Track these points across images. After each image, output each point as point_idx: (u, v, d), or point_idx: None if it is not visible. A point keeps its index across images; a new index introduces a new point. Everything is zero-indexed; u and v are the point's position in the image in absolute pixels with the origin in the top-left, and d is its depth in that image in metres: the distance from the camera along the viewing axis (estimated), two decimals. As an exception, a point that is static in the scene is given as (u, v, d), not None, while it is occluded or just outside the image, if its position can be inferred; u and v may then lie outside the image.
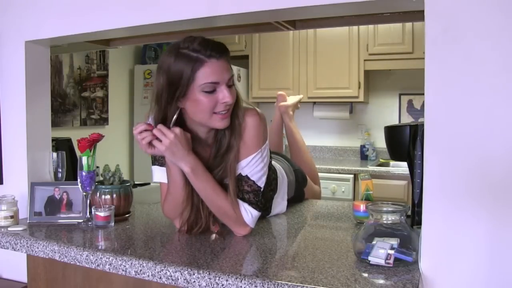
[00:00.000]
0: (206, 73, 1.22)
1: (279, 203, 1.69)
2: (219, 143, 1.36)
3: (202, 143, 1.38)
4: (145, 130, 1.27)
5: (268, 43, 3.80)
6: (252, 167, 1.36)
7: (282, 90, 3.72)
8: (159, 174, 1.44)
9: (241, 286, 1.02)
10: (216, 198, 1.32)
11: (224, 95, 1.24)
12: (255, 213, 1.36)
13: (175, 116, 1.27)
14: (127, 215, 1.61)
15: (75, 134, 1.94)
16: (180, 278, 1.09)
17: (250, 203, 1.36)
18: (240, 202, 1.35)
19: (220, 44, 1.27)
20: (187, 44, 1.24)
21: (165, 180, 1.41)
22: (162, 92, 1.26)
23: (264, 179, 1.39)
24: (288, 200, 1.76)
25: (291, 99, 2.31)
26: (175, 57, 1.23)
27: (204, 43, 1.24)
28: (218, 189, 1.32)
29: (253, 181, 1.36)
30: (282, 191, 1.71)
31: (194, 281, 1.07)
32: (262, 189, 1.38)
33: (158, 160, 1.44)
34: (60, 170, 1.76)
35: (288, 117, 2.24)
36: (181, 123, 1.31)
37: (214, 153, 1.37)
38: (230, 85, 1.28)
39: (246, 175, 1.36)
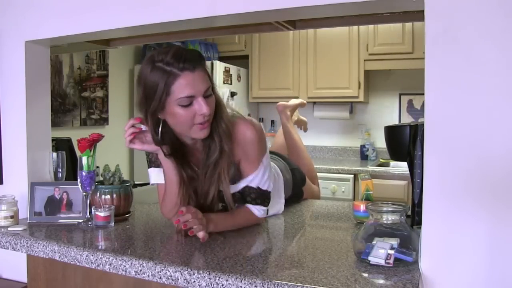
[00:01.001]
0: (180, 87, 1.20)
1: (277, 202, 1.69)
2: (208, 148, 1.35)
3: (191, 149, 1.39)
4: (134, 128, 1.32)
5: (268, 43, 3.80)
6: (259, 178, 1.42)
7: (282, 90, 3.74)
8: (155, 176, 1.46)
9: (241, 286, 1.02)
10: (239, 225, 1.44)
11: (200, 107, 1.22)
12: (265, 208, 1.49)
13: (159, 129, 1.29)
14: (127, 215, 1.61)
15: (75, 134, 1.94)
16: (180, 278, 1.09)
17: (260, 204, 1.47)
18: (251, 206, 1.46)
19: (194, 54, 1.24)
20: (161, 57, 1.22)
21: (162, 181, 1.42)
22: (141, 105, 1.29)
23: (269, 182, 1.45)
24: (286, 200, 1.77)
25: (292, 101, 2.33)
26: (151, 69, 1.23)
27: (177, 55, 1.20)
28: (237, 219, 1.43)
29: (265, 190, 1.45)
30: (278, 190, 1.72)
31: (194, 281, 1.07)
32: (270, 192, 1.47)
33: (154, 162, 1.46)
34: (60, 170, 1.76)
35: (285, 116, 2.26)
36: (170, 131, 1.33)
37: (205, 158, 1.36)
38: (208, 95, 1.25)
39: (258, 187, 1.43)
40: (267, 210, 1.51)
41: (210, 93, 1.27)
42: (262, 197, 1.44)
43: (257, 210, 1.45)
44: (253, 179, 1.41)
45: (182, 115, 1.23)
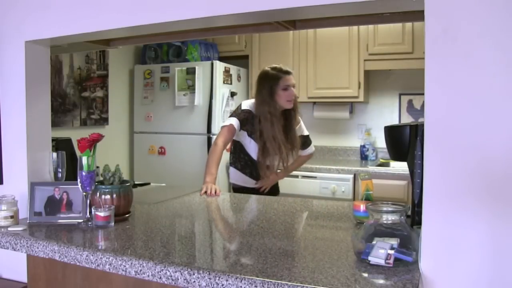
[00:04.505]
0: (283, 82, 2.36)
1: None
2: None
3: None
4: None
5: (268, 43, 3.80)
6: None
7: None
8: (235, 123, 2.31)
9: (241, 286, 1.02)
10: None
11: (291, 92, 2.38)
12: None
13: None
14: (127, 215, 1.61)
15: (75, 134, 1.94)
16: (180, 278, 1.09)
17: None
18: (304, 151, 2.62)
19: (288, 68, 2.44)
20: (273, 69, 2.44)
21: (235, 125, 2.31)
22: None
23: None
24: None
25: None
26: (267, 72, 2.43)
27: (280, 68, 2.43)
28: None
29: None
30: None
31: (194, 281, 1.07)
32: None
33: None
34: (60, 170, 1.76)
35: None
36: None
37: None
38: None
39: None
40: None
41: (295, 86, 2.41)
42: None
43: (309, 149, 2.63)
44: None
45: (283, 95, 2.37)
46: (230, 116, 2.42)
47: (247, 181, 2.49)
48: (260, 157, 2.40)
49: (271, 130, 2.32)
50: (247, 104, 2.43)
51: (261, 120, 2.33)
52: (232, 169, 2.53)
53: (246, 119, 2.37)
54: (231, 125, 2.33)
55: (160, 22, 1.45)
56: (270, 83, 2.36)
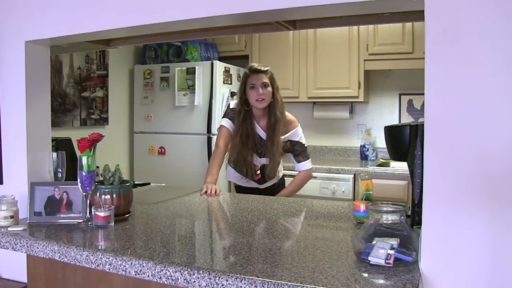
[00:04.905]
0: (250, 80, 2.33)
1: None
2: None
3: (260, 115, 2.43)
4: None
5: (268, 43, 3.80)
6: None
7: (282, 90, 3.72)
8: (225, 123, 2.35)
9: (241, 286, 1.02)
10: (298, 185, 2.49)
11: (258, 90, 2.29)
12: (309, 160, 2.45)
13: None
14: (127, 215, 1.61)
15: (75, 134, 1.94)
16: (180, 278, 1.09)
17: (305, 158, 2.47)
18: (300, 164, 2.45)
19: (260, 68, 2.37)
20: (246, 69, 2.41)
21: (226, 125, 2.34)
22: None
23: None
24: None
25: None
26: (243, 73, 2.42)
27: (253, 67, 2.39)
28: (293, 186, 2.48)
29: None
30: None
31: (194, 281, 1.07)
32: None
33: (228, 114, 2.39)
34: (60, 170, 1.76)
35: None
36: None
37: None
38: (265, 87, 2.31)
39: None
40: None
41: (267, 86, 2.31)
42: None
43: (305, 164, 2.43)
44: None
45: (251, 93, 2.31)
46: (223, 117, 2.47)
47: (242, 180, 2.50)
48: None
49: (234, 129, 2.36)
50: (234, 102, 2.47)
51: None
52: (229, 167, 2.57)
53: (234, 117, 2.41)
54: (222, 125, 2.40)
55: (160, 22, 1.45)
56: (241, 81, 2.41)
